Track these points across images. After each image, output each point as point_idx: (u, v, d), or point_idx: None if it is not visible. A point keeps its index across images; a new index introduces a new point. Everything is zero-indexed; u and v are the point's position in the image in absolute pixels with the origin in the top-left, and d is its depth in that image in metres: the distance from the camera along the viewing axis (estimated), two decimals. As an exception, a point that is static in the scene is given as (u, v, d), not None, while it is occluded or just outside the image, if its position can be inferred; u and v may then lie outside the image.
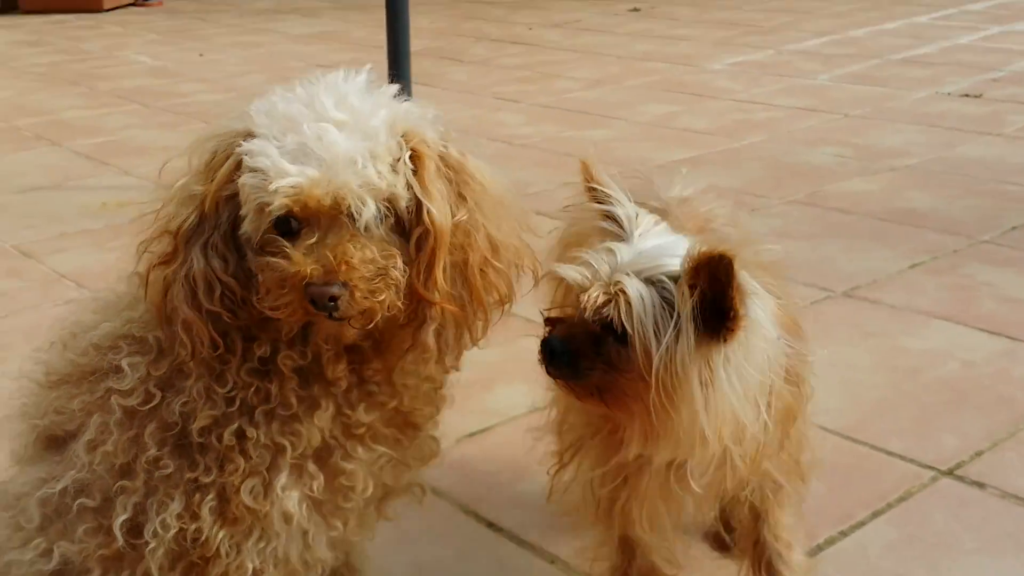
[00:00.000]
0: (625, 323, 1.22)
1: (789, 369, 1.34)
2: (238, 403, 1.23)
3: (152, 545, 1.23)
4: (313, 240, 1.16)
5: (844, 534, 1.81)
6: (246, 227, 1.19)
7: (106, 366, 1.26)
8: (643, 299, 1.22)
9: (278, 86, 1.28)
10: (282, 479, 1.25)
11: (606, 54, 6.57)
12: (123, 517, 1.23)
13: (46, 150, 4.54)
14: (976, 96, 5.10)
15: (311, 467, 1.27)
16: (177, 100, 5.51)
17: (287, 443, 1.24)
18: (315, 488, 1.27)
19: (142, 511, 1.24)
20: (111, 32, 7.98)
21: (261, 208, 1.17)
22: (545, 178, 3.93)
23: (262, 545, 1.27)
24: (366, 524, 1.38)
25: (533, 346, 2.48)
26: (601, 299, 1.24)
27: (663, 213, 1.45)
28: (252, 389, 1.23)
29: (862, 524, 1.83)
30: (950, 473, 1.98)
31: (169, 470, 1.23)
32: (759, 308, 1.25)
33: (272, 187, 1.14)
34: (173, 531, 1.23)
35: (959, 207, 3.51)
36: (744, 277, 1.21)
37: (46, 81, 6.06)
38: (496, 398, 2.30)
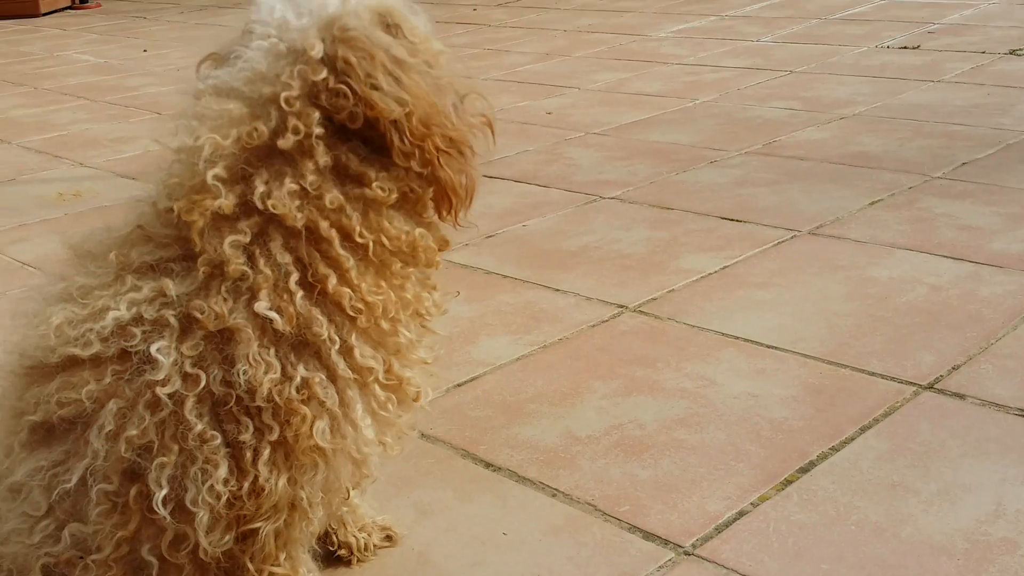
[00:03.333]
0: None
1: None
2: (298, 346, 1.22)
3: (200, 514, 1.22)
4: None
5: (835, 449, 1.85)
6: None
7: (114, 352, 1.22)
8: None
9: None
10: (358, 411, 1.25)
11: (552, 29, 6.60)
12: (163, 493, 1.20)
13: (-4, 148, 4.47)
14: (914, 48, 5.21)
15: (377, 389, 1.27)
16: (124, 94, 5.44)
17: (375, 364, 1.25)
18: (390, 408, 1.28)
19: (179, 484, 1.21)
20: (50, 35, 7.86)
21: None
22: (506, 146, 3.96)
23: (319, 477, 1.26)
24: (399, 439, 1.39)
25: (512, 300, 2.52)
26: None
27: None
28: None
29: (851, 439, 1.88)
30: (930, 387, 2.03)
31: (216, 441, 1.20)
32: None
33: None
34: (224, 497, 1.21)
35: (910, 148, 3.59)
36: None
37: (-13, 84, 5.96)
38: (480, 349, 2.32)
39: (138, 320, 1.21)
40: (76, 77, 6.00)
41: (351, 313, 1.24)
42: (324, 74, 1.22)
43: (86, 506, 1.23)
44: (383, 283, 1.27)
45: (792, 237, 2.86)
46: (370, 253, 1.24)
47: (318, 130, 1.22)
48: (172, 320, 1.21)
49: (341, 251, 1.23)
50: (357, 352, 1.25)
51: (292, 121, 1.21)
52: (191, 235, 1.22)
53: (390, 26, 1.28)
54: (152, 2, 9.50)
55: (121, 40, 7.34)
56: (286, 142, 1.21)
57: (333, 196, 1.22)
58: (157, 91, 5.46)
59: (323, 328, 1.22)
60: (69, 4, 9.37)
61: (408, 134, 1.23)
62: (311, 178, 1.22)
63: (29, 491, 1.24)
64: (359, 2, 1.27)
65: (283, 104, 1.21)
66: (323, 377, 1.23)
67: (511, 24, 6.84)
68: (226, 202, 1.21)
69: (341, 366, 1.23)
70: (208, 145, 1.21)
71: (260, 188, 1.21)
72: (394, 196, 1.26)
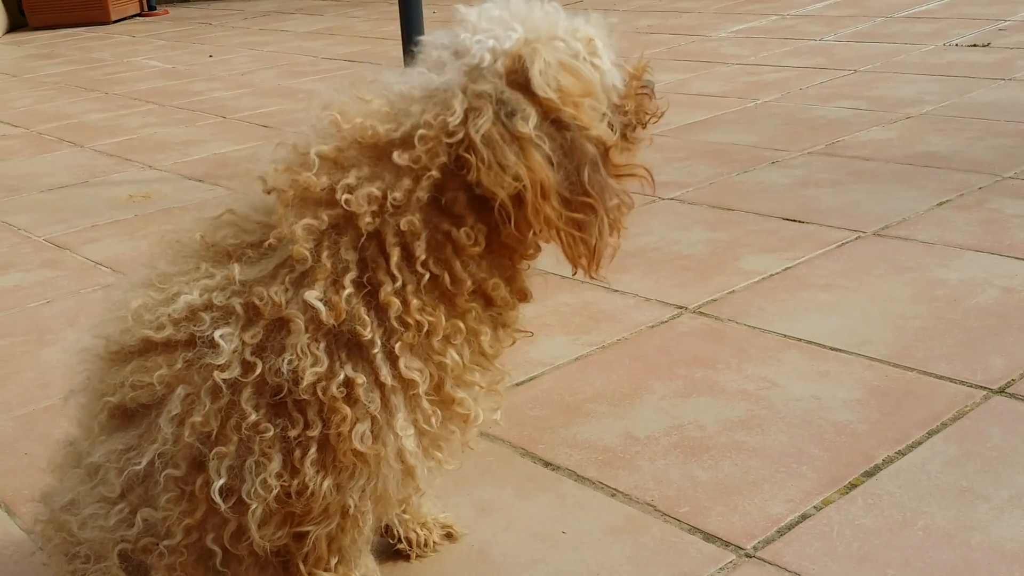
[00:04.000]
0: None
1: None
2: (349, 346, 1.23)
3: (253, 506, 1.23)
4: None
5: (901, 453, 1.81)
6: None
7: (185, 338, 1.25)
8: None
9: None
10: (399, 419, 1.25)
11: (611, 30, 6.57)
12: (220, 483, 1.22)
13: (69, 151, 4.59)
14: (984, 45, 5.10)
15: (425, 402, 1.27)
16: (192, 98, 5.55)
17: (419, 378, 1.26)
18: (434, 423, 1.28)
19: (237, 475, 1.23)
20: (120, 41, 8.04)
21: None
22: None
23: (363, 482, 1.27)
24: (456, 453, 1.40)
25: (570, 301, 2.52)
26: None
27: None
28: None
29: (919, 443, 1.84)
30: (1001, 391, 1.99)
31: (269, 433, 1.22)
32: None
33: None
34: (275, 491, 1.23)
35: (979, 148, 3.51)
36: None
37: (62, 89, 6.12)
38: (539, 350, 2.32)
39: (208, 306, 1.24)
40: (145, 82, 6.13)
41: (396, 325, 1.25)
42: (457, 138, 1.23)
43: (156, 491, 1.25)
44: (442, 307, 1.27)
45: (856, 238, 2.82)
46: (423, 282, 1.25)
47: (435, 173, 1.23)
48: (238, 308, 1.23)
49: (395, 270, 1.24)
50: (402, 362, 1.26)
51: (419, 150, 1.23)
52: (278, 205, 1.24)
53: (523, 83, 1.25)
54: (217, 9, 9.68)
55: (188, 46, 7.48)
56: (400, 159, 1.23)
57: (409, 220, 1.23)
58: (222, 95, 5.56)
59: (367, 329, 1.23)
60: (138, 11, 9.58)
61: (523, 212, 1.23)
62: (397, 195, 1.23)
63: (106, 472, 1.28)
64: (503, 49, 1.26)
65: (417, 139, 1.23)
66: (367, 380, 1.24)
67: (571, 26, 6.84)
68: (314, 179, 1.23)
69: (384, 372, 1.24)
70: (329, 122, 1.25)
71: (348, 180, 1.23)
72: (478, 249, 1.26)
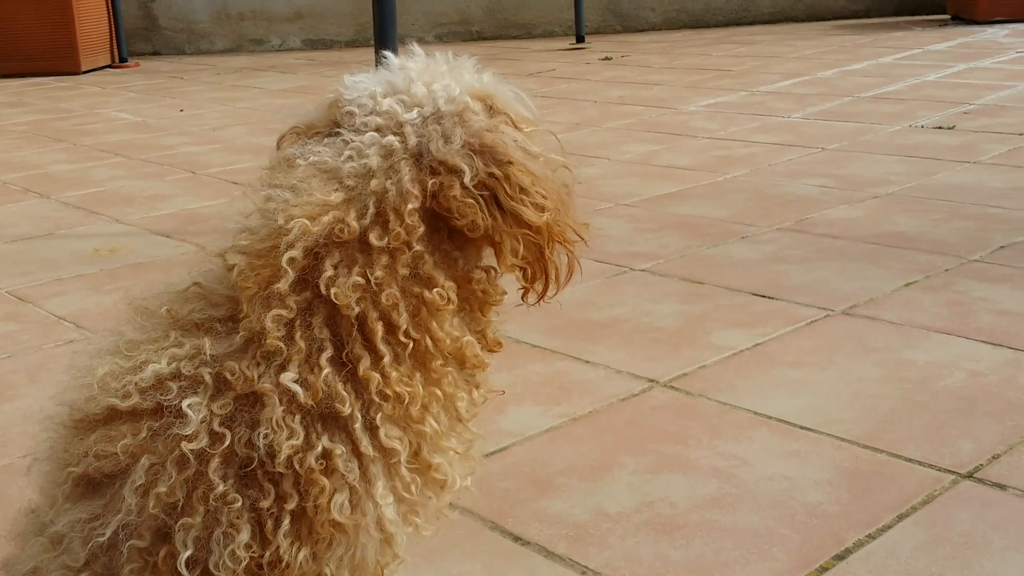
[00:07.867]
0: None
1: None
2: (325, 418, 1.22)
3: None
4: None
5: (871, 537, 1.81)
6: None
7: (151, 407, 1.22)
8: None
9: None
10: (379, 488, 1.23)
11: (582, 99, 6.66)
12: (186, 554, 1.19)
13: (35, 202, 4.53)
14: (949, 128, 5.21)
15: (404, 470, 1.25)
16: (161, 152, 5.53)
17: (399, 446, 1.24)
18: (413, 490, 1.26)
19: (204, 546, 1.20)
20: (90, 92, 8.01)
21: None
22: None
23: (340, 552, 1.25)
24: (431, 519, 1.37)
25: (541, 370, 2.51)
26: None
27: None
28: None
29: (889, 527, 1.83)
30: (970, 476, 1.99)
31: (238, 504, 1.19)
32: None
33: None
34: (244, 562, 1.20)
35: (946, 229, 3.57)
36: None
37: (29, 139, 6.07)
38: (509, 420, 2.30)
39: (176, 375, 1.22)
40: (114, 134, 6.10)
41: (376, 399, 1.23)
42: (457, 189, 1.23)
43: (120, 562, 1.22)
44: (417, 375, 1.26)
45: (825, 316, 2.84)
46: (407, 351, 1.24)
47: (418, 247, 1.23)
48: (207, 378, 1.21)
49: (381, 345, 1.23)
50: (383, 432, 1.24)
51: (395, 227, 1.22)
52: (241, 299, 1.23)
53: (496, 114, 1.29)
54: (189, 63, 9.69)
55: (158, 99, 7.47)
56: (380, 241, 1.22)
57: (390, 293, 1.22)
58: (193, 150, 5.54)
59: (346, 405, 1.22)
60: (109, 63, 9.58)
61: (540, 242, 1.27)
62: (379, 273, 1.22)
63: (70, 542, 1.25)
64: (458, 91, 1.28)
65: (394, 214, 1.22)
66: (345, 450, 1.22)
67: (542, 94, 6.91)
68: (284, 287, 1.21)
69: (364, 443, 1.23)
70: (297, 229, 1.21)
71: (328, 272, 1.21)
72: (452, 307, 1.25)
